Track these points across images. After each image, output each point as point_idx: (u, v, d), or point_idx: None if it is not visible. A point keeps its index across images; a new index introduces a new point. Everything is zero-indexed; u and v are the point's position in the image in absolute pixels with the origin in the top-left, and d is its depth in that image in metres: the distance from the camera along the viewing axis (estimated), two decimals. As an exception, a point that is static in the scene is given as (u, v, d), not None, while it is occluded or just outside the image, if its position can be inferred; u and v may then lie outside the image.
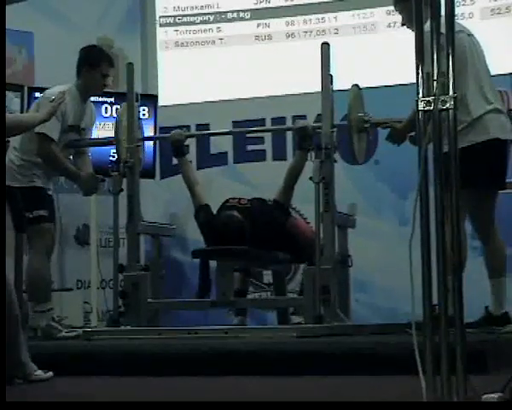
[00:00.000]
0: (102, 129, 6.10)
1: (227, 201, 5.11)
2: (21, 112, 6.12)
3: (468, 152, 3.99)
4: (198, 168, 6.62)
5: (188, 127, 6.47)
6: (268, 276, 6.17)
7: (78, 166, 5.17)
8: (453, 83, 2.24)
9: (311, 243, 4.65)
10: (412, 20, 4.25)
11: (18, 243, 5.62)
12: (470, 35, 4.39)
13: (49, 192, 5.06)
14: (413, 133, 4.25)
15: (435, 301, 2.21)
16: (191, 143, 6.75)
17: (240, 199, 5.10)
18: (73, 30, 6.61)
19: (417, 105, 2.25)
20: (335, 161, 4.76)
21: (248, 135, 6.50)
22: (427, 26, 2.40)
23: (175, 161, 6.79)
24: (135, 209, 5.07)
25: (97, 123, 5.68)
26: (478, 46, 4.40)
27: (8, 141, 5.20)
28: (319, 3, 6.71)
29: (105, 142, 5.51)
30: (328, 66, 4.70)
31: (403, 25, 4.53)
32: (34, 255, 4.94)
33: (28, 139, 4.93)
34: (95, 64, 5.08)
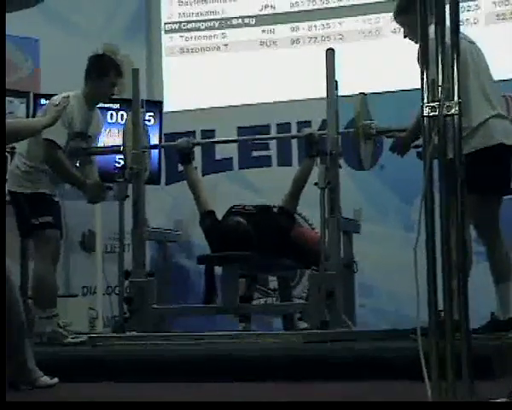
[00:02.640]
0: (108, 135, 6.12)
1: (232, 207, 5.12)
2: (27, 118, 6.13)
3: (472, 158, 3.99)
4: (203, 174, 6.64)
5: (193, 133, 6.49)
6: (273, 282, 6.18)
7: (85, 174, 5.17)
8: (458, 89, 2.24)
9: (317, 249, 4.65)
10: (414, 31, 4.29)
11: (23, 248, 5.65)
12: (471, 42, 4.39)
13: (55, 199, 5.07)
14: (420, 149, 4.25)
15: (441, 306, 2.21)
16: (196, 149, 6.76)
17: (245, 206, 5.11)
18: (79, 37, 6.63)
19: (422, 111, 2.25)
20: (340, 167, 4.77)
21: (254, 141, 6.51)
22: (431, 32, 2.40)
23: (180, 167, 6.83)
24: (140, 215, 5.07)
25: (103, 130, 5.68)
26: (480, 53, 4.40)
27: (15, 147, 5.22)
28: (324, 9, 6.73)
29: (111, 150, 5.51)
30: (333, 72, 4.70)
31: (405, 37, 4.53)
32: (40, 261, 4.95)
33: (35, 145, 4.94)
34: (103, 73, 5.08)
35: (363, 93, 4.82)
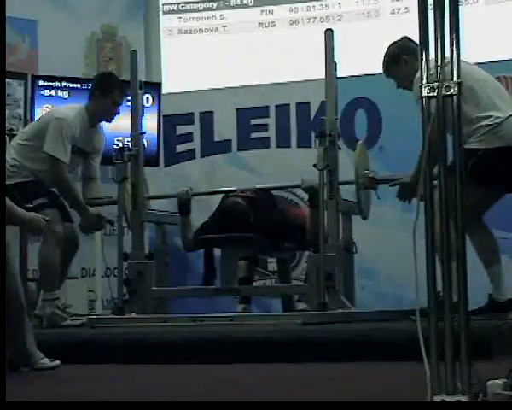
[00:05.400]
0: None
1: (230, 191, 5.12)
2: (25, 99, 6.12)
3: (493, 154, 4.03)
4: (202, 156, 6.64)
5: (191, 115, 6.48)
6: (272, 263, 6.18)
7: (85, 194, 5.14)
8: (457, 69, 2.23)
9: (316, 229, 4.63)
10: (405, 80, 4.31)
11: (22, 232, 5.64)
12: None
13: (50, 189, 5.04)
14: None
15: (440, 287, 2.21)
16: (195, 131, 6.77)
17: (242, 190, 5.10)
18: (77, 18, 6.60)
19: (421, 91, 2.24)
20: (339, 148, 4.76)
21: (252, 122, 6.51)
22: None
23: (179, 149, 6.82)
24: (139, 197, 5.07)
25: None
26: (472, 65, 4.36)
27: (13, 129, 5.21)
28: (322, -10, 6.70)
29: (107, 202, 5.28)
30: (332, 52, 4.69)
31: (398, 87, 4.54)
32: (43, 243, 4.95)
33: (28, 148, 4.92)
34: (107, 91, 5.04)
35: (361, 142, 4.82)
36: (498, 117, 4.15)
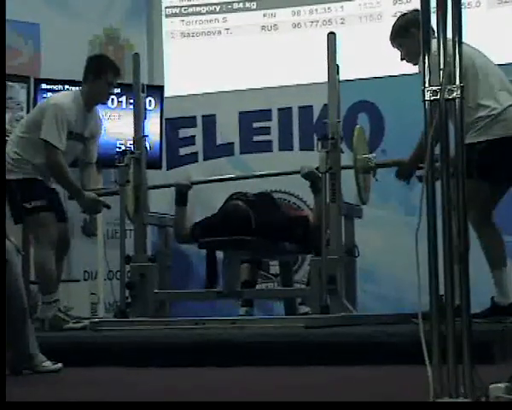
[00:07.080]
0: (109, 119, 6.11)
1: (232, 194, 5.12)
2: (27, 102, 6.13)
3: (492, 145, 4.01)
4: (204, 159, 6.64)
5: (194, 118, 6.48)
6: (275, 266, 6.18)
7: (83, 181, 5.14)
8: (460, 72, 2.23)
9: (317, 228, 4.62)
10: (412, 53, 4.29)
11: (25, 235, 5.65)
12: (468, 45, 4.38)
13: (51, 185, 5.03)
14: (421, 172, 4.22)
15: (442, 290, 2.21)
16: (198, 134, 6.77)
17: (245, 193, 5.10)
18: (80, 21, 6.61)
19: (423, 95, 2.25)
20: (342, 152, 4.76)
21: (255, 125, 6.51)
22: None
23: (182, 152, 6.83)
24: (141, 200, 5.07)
25: (103, 114, 5.65)
26: (478, 51, 4.36)
27: (11, 132, 5.21)
28: (325, -7, 6.70)
29: (109, 192, 5.33)
30: (335, 56, 4.69)
31: (402, 59, 4.53)
32: (38, 246, 4.94)
33: (26, 140, 4.92)
34: (100, 73, 5.04)
35: (359, 126, 4.81)
36: (495, 108, 4.14)
